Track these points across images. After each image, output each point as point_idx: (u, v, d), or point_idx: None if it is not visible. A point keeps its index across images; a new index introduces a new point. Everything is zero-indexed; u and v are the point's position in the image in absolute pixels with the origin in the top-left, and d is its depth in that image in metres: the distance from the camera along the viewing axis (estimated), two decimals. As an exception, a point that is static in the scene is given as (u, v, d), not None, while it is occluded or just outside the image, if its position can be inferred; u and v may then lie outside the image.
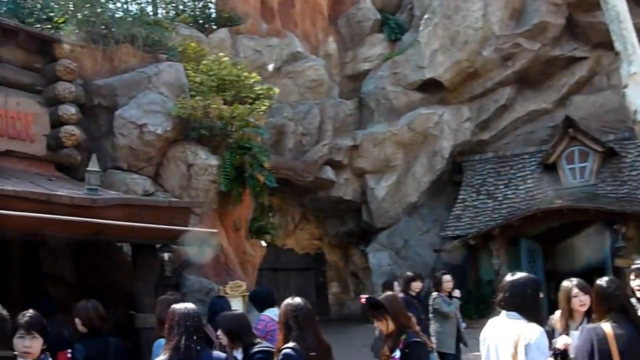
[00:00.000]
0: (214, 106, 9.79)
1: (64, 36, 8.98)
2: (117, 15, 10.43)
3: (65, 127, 8.48)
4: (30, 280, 8.01)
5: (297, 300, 4.18)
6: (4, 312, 3.22)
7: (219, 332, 4.82)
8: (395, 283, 8.15)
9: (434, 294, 7.98)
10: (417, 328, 4.62)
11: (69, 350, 5.73)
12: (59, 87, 8.58)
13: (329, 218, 17.17)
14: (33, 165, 8.15)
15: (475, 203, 15.52)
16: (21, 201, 6.26)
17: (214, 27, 14.49)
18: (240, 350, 4.71)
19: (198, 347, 3.91)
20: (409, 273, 8.18)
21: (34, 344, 3.83)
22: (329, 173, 15.40)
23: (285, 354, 3.98)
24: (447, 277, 8.11)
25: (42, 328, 3.96)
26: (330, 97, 16.01)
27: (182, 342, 3.91)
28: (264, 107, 10.80)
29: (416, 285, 7.70)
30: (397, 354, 4.34)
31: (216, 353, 4.13)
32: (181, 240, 7.43)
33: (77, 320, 5.46)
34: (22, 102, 7.86)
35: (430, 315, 7.88)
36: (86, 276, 8.38)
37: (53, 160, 8.54)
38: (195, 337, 3.95)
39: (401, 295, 7.43)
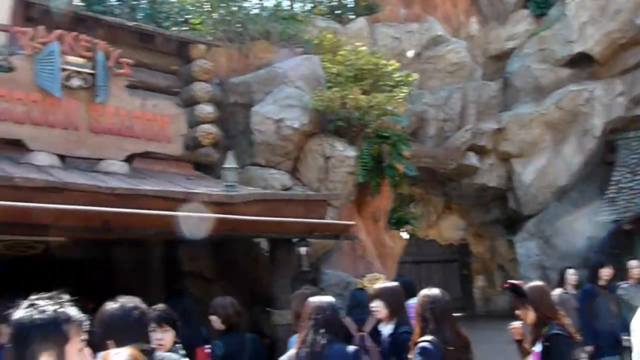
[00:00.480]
0: (351, 96, 9.31)
1: (200, 37, 8.82)
2: (252, 12, 10.12)
3: (202, 126, 8.34)
4: (170, 279, 7.96)
5: (435, 291, 3.92)
6: (144, 306, 3.23)
7: (376, 304, 4.65)
8: (571, 271, 7.08)
9: (621, 283, 6.71)
10: (567, 321, 4.10)
11: (207, 346, 5.64)
12: (195, 88, 8.45)
13: (473, 207, 16.05)
14: (171, 166, 8.08)
15: (631, 184, 13.71)
16: (160, 200, 6.13)
17: (351, 16, 13.90)
18: (391, 326, 4.58)
19: (325, 340, 3.77)
20: (596, 259, 7.14)
21: (166, 336, 3.89)
22: (472, 159, 14.35)
23: (422, 348, 3.72)
24: (633, 263, 6.82)
25: (172, 321, 4.03)
26: (472, 79, 14.88)
27: (310, 334, 3.82)
28: (402, 94, 10.19)
29: (606, 272, 6.55)
30: (538, 347, 3.95)
31: (349, 347, 3.90)
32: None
33: (214, 318, 5.32)
34: (159, 104, 7.77)
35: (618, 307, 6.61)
36: (224, 273, 8.21)
37: (191, 159, 8.46)
38: (324, 330, 3.83)
39: (588, 286, 6.60)
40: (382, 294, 4.69)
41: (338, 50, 10.51)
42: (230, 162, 6.97)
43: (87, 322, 2.26)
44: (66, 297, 2.28)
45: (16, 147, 6.70)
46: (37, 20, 7.32)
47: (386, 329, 4.69)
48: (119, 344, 2.74)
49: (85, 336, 2.25)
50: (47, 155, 6.66)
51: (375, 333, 5.20)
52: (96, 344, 3.81)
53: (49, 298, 2.25)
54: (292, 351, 3.87)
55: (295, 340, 4.20)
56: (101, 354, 2.49)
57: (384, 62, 10.43)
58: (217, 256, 8.32)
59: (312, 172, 9.22)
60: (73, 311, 2.28)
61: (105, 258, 8.11)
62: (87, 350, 2.25)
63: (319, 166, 9.20)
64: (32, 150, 6.64)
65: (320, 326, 3.75)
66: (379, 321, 5.00)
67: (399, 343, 4.30)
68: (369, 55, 10.41)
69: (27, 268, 8.10)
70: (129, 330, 3.08)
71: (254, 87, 9.16)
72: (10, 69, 6.63)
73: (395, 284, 5.02)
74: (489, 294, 16.46)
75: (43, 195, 5.54)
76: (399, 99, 10.06)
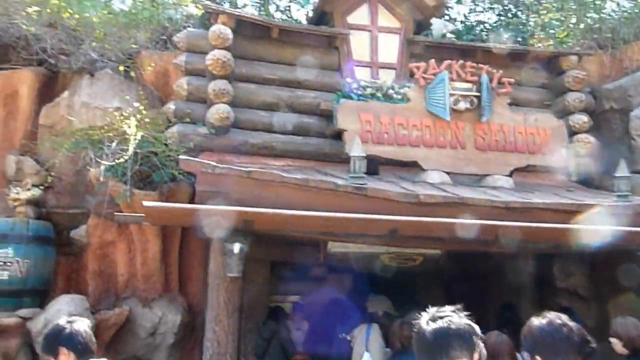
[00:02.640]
0: None
1: (570, 48, 8.54)
2: (624, 17, 9.33)
3: (578, 136, 8.00)
4: (543, 295, 7.65)
5: None
6: (572, 324, 3.09)
7: None
8: None
9: None
10: None
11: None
12: (568, 98, 8.18)
13: None
14: (548, 177, 7.87)
15: None
16: (550, 212, 6.07)
17: None
18: None
19: None
20: None
21: None
22: None
23: None
24: None
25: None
26: None
27: None
28: None
29: None
30: None
31: None
32: None
33: (615, 341, 4.86)
34: (539, 118, 7.73)
35: None
36: (602, 291, 7.59)
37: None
38: None
39: None
40: None
41: None
42: (622, 171, 6.50)
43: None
44: (464, 311, 2.43)
45: (410, 167, 7.27)
46: (418, 56, 7.88)
47: None
48: (546, 360, 2.62)
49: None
50: (438, 174, 7.08)
51: None
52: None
53: (453, 311, 2.41)
54: None
55: None
56: None
57: None
58: (594, 272, 7.77)
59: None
60: (475, 325, 2.41)
61: (473, 271, 8.18)
62: None
63: None
64: (425, 170, 7.13)
65: None
66: None
67: None
68: None
69: (404, 278, 8.63)
70: (557, 347, 2.98)
71: (630, 90, 8.40)
72: (406, 100, 7.26)
73: None
74: None
75: (442, 210, 5.87)
76: None
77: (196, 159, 5.93)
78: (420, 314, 2.47)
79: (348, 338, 6.99)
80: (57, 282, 7.22)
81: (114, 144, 6.65)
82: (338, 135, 7.33)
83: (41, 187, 7.25)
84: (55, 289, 7.12)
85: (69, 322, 3.85)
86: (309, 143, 7.57)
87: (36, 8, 7.72)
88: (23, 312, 6.50)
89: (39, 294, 6.82)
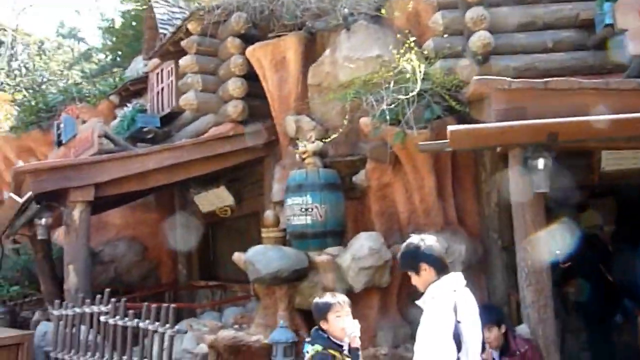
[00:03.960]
0: None
1: None
2: None
3: None
4: None
5: None
6: None
7: None
8: None
9: None
10: None
11: None
12: None
13: None
14: None
15: None
16: None
17: None
18: None
19: None
20: None
21: None
22: None
23: None
24: None
25: None
26: None
27: None
28: None
29: None
30: None
31: None
32: None
33: None
34: None
35: None
36: None
37: None
38: None
39: None
40: None
41: None
42: None
43: None
44: None
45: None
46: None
47: None
48: None
49: None
50: None
51: None
52: None
53: None
54: None
55: None
56: None
57: None
58: None
59: None
60: None
61: None
62: None
63: None
64: None
65: None
66: None
67: None
68: None
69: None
70: None
71: None
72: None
73: None
74: None
75: None
76: None
77: (490, 77, 5.92)
78: None
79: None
80: (347, 224, 7.69)
81: (390, 86, 6.83)
82: (600, 45, 6.94)
83: (322, 140, 7.73)
84: (348, 230, 7.60)
85: (422, 239, 4.02)
86: (572, 57, 7.19)
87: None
88: (330, 250, 7.04)
89: (338, 234, 7.33)
